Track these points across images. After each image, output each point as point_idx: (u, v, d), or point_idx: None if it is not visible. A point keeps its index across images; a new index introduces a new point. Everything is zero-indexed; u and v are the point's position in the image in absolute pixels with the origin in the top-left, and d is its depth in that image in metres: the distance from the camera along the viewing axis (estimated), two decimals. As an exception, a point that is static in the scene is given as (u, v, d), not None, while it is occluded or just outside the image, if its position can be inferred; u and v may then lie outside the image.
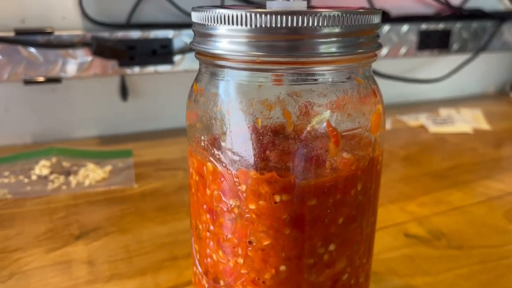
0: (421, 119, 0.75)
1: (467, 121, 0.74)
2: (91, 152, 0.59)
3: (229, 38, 0.22)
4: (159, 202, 0.47)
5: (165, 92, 0.69)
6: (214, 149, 0.24)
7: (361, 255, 0.27)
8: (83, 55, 0.59)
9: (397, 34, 0.79)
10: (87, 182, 0.50)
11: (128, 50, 0.61)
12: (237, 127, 0.23)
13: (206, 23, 0.23)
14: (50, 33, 0.57)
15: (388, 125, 0.73)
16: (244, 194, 0.23)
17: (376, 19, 0.24)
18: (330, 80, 0.23)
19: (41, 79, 0.59)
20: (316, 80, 0.22)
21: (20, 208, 0.45)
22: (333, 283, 0.26)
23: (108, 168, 0.54)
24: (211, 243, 0.26)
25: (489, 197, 0.49)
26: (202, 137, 0.25)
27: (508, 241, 0.40)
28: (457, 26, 0.83)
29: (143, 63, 0.63)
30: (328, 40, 0.22)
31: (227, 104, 0.23)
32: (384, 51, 0.79)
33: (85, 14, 0.61)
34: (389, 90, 0.86)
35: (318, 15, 0.21)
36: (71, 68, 0.59)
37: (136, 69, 0.63)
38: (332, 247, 0.25)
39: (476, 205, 0.47)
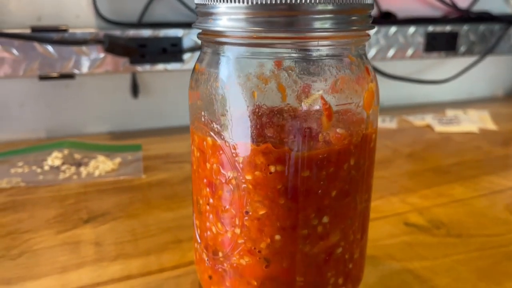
0: (427, 119, 0.76)
1: (474, 121, 0.75)
2: (102, 145, 0.61)
3: (228, 15, 0.23)
4: (166, 192, 0.48)
5: (174, 90, 0.71)
6: (214, 124, 0.25)
7: (355, 230, 0.28)
8: (95, 52, 0.61)
9: (404, 36, 0.80)
10: (97, 173, 0.52)
11: (139, 48, 0.63)
12: (235, 101, 0.24)
13: (207, 3, 0.24)
14: (65, 31, 0.60)
15: (394, 125, 0.73)
16: (241, 165, 0.24)
17: (369, 0, 0.25)
18: (324, 54, 0.24)
19: (55, 75, 0.61)
20: (309, 55, 0.24)
21: (32, 195, 0.47)
22: (327, 256, 0.26)
23: (118, 160, 0.55)
24: (211, 216, 0.27)
25: (491, 191, 0.49)
26: (203, 113, 0.26)
27: (507, 230, 0.41)
28: (464, 28, 0.84)
29: (153, 61, 0.65)
30: (322, 16, 0.23)
31: (226, 79, 0.24)
32: (391, 52, 0.80)
33: (98, 13, 0.64)
34: (396, 91, 0.87)
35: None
36: (84, 64, 0.62)
37: (147, 67, 0.65)
38: (325, 219, 0.26)
39: (478, 198, 0.47)
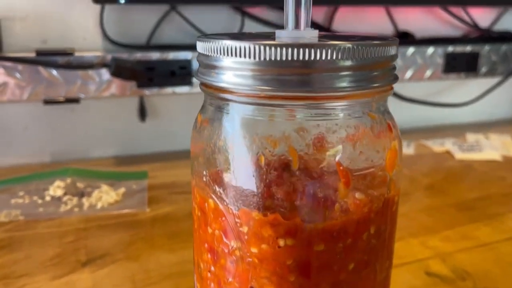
0: (447, 144, 0.72)
1: (496, 147, 0.71)
2: (106, 173, 0.59)
3: (235, 71, 0.21)
4: (170, 229, 0.45)
5: (183, 113, 0.68)
6: (216, 186, 0.22)
7: (374, 302, 0.25)
8: (102, 76, 0.59)
9: (422, 56, 0.76)
10: (99, 205, 0.50)
11: (147, 71, 0.61)
12: (239, 163, 0.21)
13: (210, 54, 0.22)
14: (70, 54, 0.58)
15: (411, 150, 0.70)
16: (246, 236, 0.22)
17: (392, 50, 0.22)
18: (341, 115, 0.21)
19: (60, 99, 0.59)
20: (325, 116, 0.21)
21: (31, 230, 0.45)
22: (343, 334, 0.23)
23: (122, 190, 0.53)
24: (212, 284, 0.24)
25: (519, 233, 0.45)
26: (204, 172, 0.23)
27: (540, 284, 0.37)
28: (485, 48, 0.80)
29: (161, 84, 0.63)
30: (340, 74, 0.20)
31: (230, 139, 0.22)
32: (408, 73, 0.76)
33: (105, 35, 0.62)
34: (414, 114, 0.83)
35: (328, 48, 0.19)
36: (90, 88, 0.60)
37: (155, 90, 0.63)
38: (341, 295, 0.23)
39: (505, 242, 0.44)
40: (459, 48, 0.79)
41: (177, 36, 0.66)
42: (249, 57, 0.20)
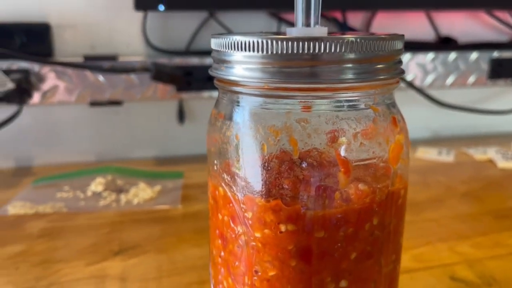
0: (490, 153, 0.69)
1: (544, 157, 0.67)
2: (145, 172, 0.62)
3: (245, 65, 0.22)
4: (198, 225, 0.47)
5: (220, 117, 0.71)
6: (225, 174, 0.24)
7: (380, 295, 0.25)
8: (144, 80, 0.63)
9: (465, 62, 0.74)
10: (135, 201, 0.52)
11: (186, 75, 0.64)
12: (245, 152, 0.23)
13: (221, 49, 0.23)
14: (115, 59, 0.62)
15: (451, 158, 0.68)
16: (250, 222, 0.23)
17: (397, 45, 0.23)
18: (343, 107, 0.22)
19: (105, 101, 0.63)
20: (328, 107, 0.22)
21: (71, 221, 0.48)
22: (346, 323, 0.24)
23: (158, 188, 0.56)
24: (222, 269, 0.26)
25: (558, 243, 0.43)
26: (215, 161, 0.25)
27: None
28: (534, 54, 0.77)
29: (199, 88, 0.65)
30: (344, 66, 0.21)
31: (238, 129, 0.23)
32: (450, 79, 0.74)
33: (147, 42, 0.65)
34: (457, 121, 0.81)
35: (332, 41, 0.20)
36: (132, 92, 0.63)
37: (193, 94, 0.65)
38: (343, 283, 0.23)
39: (541, 251, 0.42)
40: (505, 54, 0.76)
41: (215, 42, 0.68)
42: (258, 51, 0.21)
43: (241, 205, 0.23)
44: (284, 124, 0.22)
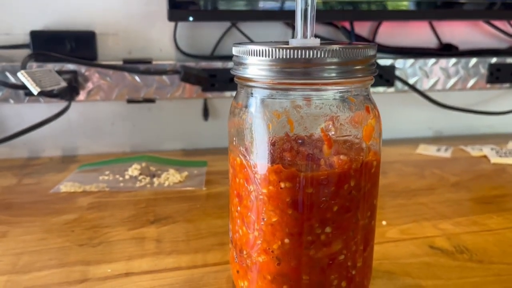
0: (485, 150, 0.76)
1: (535, 154, 0.74)
2: (174, 160, 0.71)
3: (257, 66, 0.30)
4: (220, 202, 0.56)
5: (240, 114, 0.79)
6: (241, 147, 0.32)
7: (357, 242, 0.33)
8: (174, 81, 0.72)
9: (465, 67, 0.81)
10: (166, 183, 0.61)
11: (211, 77, 0.73)
12: (256, 130, 0.31)
13: (239, 55, 0.32)
14: (149, 63, 0.71)
15: (448, 154, 0.75)
16: (259, 181, 0.31)
17: (370, 52, 0.31)
18: (328, 97, 0.30)
19: (140, 99, 0.72)
20: (316, 97, 0.30)
21: (113, 198, 0.57)
22: (330, 260, 0.32)
23: (185, 173, 0.64)
24: (238, 221, 0.34)
25: (529, 224, 0.50)
26: (234, 138, 0.33)
27: (531, 261, 0.42)
28: (531, 60, 0.83)
29: (222, 89, 0.74)
30: (329, 67, 0.29)
31: (252, 114, 0.31)
32: (450, 82, 0.81)
33: (177, 47, 0.74)
34: (458, 121, 0.88)
35: (319, 49, 0.28)
36: (164, 91, 0.72)
37: (216, 94, 0.74)
38: (328, 229, 0.31)
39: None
40: (503, 60, 0.82)
41: (237, 48, 0.77)
42: (267, 56, 0.30)
43: (253, 169, 0.31)
44: (284, 109, 0.30)
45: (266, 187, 0.31)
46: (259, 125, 0.31)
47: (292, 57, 0.29)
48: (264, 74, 0.30)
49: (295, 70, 0.29)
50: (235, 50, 0.32)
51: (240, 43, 0.32)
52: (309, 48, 0.28)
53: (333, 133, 0.30)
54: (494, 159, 0.72)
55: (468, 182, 0.63)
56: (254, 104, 0.31)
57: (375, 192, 0.33)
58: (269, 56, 0.29)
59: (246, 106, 0.32)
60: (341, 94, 0.30)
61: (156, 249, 0.44)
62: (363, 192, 0.32)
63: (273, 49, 0.29)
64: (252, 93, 0.32)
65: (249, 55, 0.31)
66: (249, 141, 0.31)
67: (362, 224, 0.33)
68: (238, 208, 0.34)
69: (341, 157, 0.30)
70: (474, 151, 0.76)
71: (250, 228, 0.33)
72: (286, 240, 0.31)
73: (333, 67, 0.29)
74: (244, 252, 0.34)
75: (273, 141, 0.30)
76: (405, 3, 0.74)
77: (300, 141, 0.30)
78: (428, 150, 0.77)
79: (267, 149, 0.30)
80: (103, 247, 0.45)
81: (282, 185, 0.30)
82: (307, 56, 0.29)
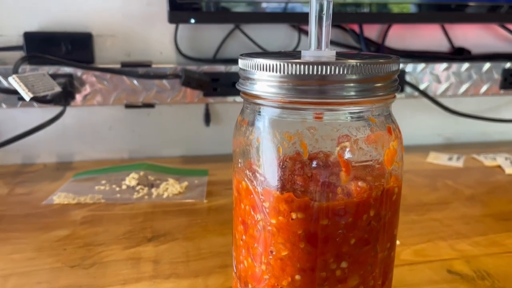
0: (499, 159, 0.73)
1: (552, 165, 0.70)
2: (173, 169, 0.67)
3: (266, 82, 0.27)
4: (222, 217, 0.52)
5: (243, 120, 0.76)
6: (247, 171, 0.29)
7: (375, 276, 0.29)
8: (174, 85, 0.69)
9: (478, 72, 0.78)
10: (165, 195, 0.58)
11: (213, 81, 0.69)
12: (265, 153, 0.28)
13: (247, 68, 0.28)
14: (149, 66, 0.68)
15: (461, 164, 0.72)
16: (267, 210, 0.28)
17: (393, 67, 0.27)
18: (346, 118, 0.27)
19: (139, 104, 0.69)
20: (333, 117, 0.27)
21: (109, 211, 0.54)
22: (346, 298, 0.29)
23: (185, 184, 0.61)
24: (243, 250, 0.31)
25: (553, 245, 0.47)
26: (240, 160, 0.30)
27: (559, 289, 0.39)
28: (547, 65, 0.80)
29: (224, 93, 0.71)
30: (347, 85, 0.26)
31: (258, 134, 0.28)
32: (463, 88, 0.78)
33: (178, 50, 0.71)
34: (470, 128, 0.84)
35: (337, 65, 0.25)
36: (164, 95, 0.69)
37: (218, 98, 0.71)
38: (344, 264, 0.28)
39: (535, 251, 0.46)
40: (518, 65, 0.79)
41: (240, 51, 0.73)
42: (277, 71, 0.26)
43: (260, 196, 0.28)
44: (296, 131, 0.27)
45: (275, 217, 0.27)
46: (268, 148, 0.27)
47: (305, 73, 0.25)
48: (274, 92, 0.27)
49: (309, 88, 0.26)
50: (241, 63, 0.29)
51: (247, 55, 0.29)
52: (325, 63, 0.25)
53: (351, 157, 0.27)
54: (509, 169, 0.69)
55: (484, 196, 0.60)
56: (262, 123, 0.28)
57: (396, 221, 0.30)
58: (280, 72, 0.26)
59: (253, 125, 0.29)
60: (360, 114, 0.27)
61: (153, 271, 0.41)
62: (383, 222, 0.29)
63: (285, 64, 0.26)
64: (259, 112, 0.28)
65: (258, 69, 0.27)
66: (256, 165, 0.28)
67: (381, 257, 0.29)
68: (243, 237, 0.30)
69: (360, 184, 0.27)
70: (487, 160, 0.73)
71: (256, 261, 0.29)
72: (297, 277, 0.28)
73: (352, 84, 0.26)
74: (250, 286, 0.31)
75: (284, 166, 0.27)
76: (415, 4, 0.70)
77: (314, 166, 0.27)
78: (439, 159, 0.74)
79: (276, 175, 0.27)
80: (96, 269, 0.42)
81: (294, 215, 0.27)
82: (323, 73, 0.25)
